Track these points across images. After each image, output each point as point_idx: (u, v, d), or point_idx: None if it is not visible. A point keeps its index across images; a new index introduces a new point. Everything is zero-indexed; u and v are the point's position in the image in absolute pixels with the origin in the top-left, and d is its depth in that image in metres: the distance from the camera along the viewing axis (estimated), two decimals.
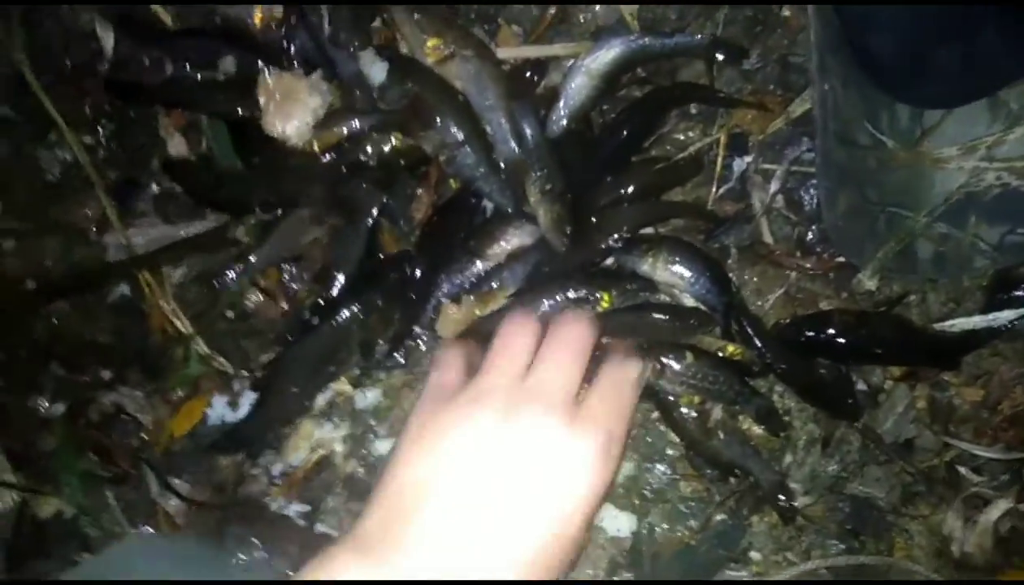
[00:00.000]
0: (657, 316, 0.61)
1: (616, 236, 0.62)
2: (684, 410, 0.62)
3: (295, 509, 0.69)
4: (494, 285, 0.64)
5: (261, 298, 0.69)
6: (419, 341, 0.67)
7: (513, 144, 0.62)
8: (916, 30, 0.52)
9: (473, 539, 0.31)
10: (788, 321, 0.62)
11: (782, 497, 0.63)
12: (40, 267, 0.71)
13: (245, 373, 0.70)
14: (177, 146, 0.69)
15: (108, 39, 0.68)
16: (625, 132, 0.63)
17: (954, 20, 0.51)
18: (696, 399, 0.62)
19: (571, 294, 0.61)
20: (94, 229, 0.71)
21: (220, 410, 0.70)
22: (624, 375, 0.39)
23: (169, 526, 0.71)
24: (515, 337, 0.39)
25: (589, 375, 0.39)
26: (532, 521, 0.32)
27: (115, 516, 0.71)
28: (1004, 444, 0.63)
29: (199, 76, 0.67)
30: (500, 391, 0.35)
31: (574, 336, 0.38)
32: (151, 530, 0.70)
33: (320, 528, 0.69)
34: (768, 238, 0.64)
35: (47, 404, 0.72)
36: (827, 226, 0.60)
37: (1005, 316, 0.60)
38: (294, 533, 0.68)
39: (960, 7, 0.50)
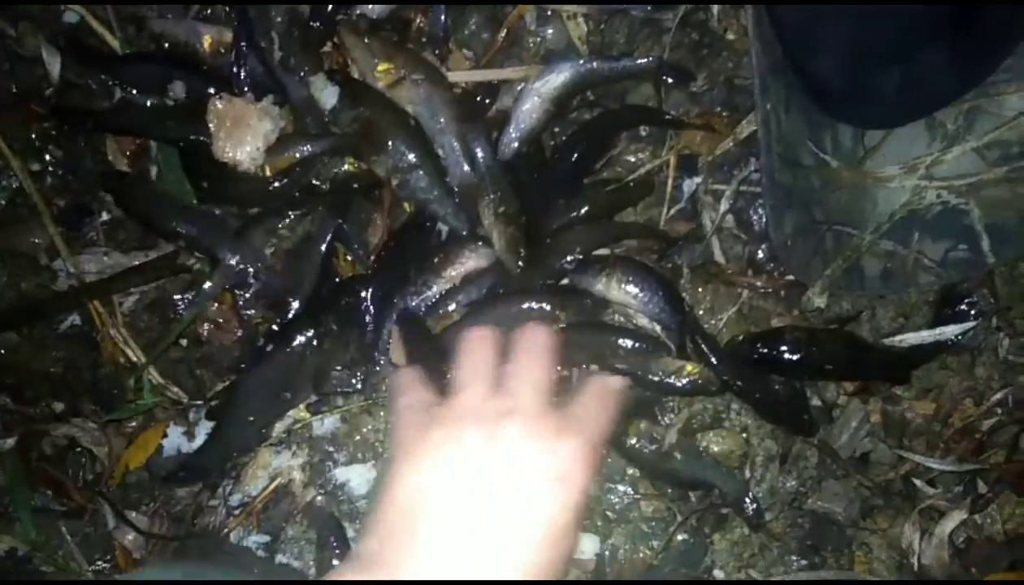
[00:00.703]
0: (615, 338, 0.61)
1: (570, 257, 0.62)
2: (634, 441, 0.62)
3: (255, 540, 0.68)
4: (450, 308, 0.64)
5: (214, 325, 0.68)
6: (376, 365, 0.66)
7: (466, 167, 0.62)
8: (855, 54, 0.53)
9: (468, 552, 0.33)
10: (742, 339, 0.63)
11: (748, 502, 0.62)
12: None
13: (200, 402, 0.68)
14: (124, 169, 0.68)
15: (54, 64, 0.67)
16: (576, 154, 0.63)
17: (893, 44, 0.52)
18: (642, 426, 0.62)
19: (527, 308, 0.61)
20: (43, 258, 0.70)
21: (176, 440, 0.69)
22: (606, 387, 0.40)
23: (125, 560, 0.69)
24: (479, 351, 0.40)
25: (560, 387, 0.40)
26: (522, 534, 0.34)
27: (70, 552, 0.69)
28: (956, 456, 0.64)
29: (148, 102, 0.66)
30: (480, 408, 0.37)
31: (538, 344, 0.40)
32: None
33: (281, 559, 0.67)
34: (719, 257, 0.65)
35: None
36: (775, 245, 0.61)
37: (951, 330, 0.61)
38: (254, 564, 0.67)
39: (898, 32, 0.51)
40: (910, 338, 0.62)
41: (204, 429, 0.68)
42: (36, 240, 0.69)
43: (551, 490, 0.34)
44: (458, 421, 0.36)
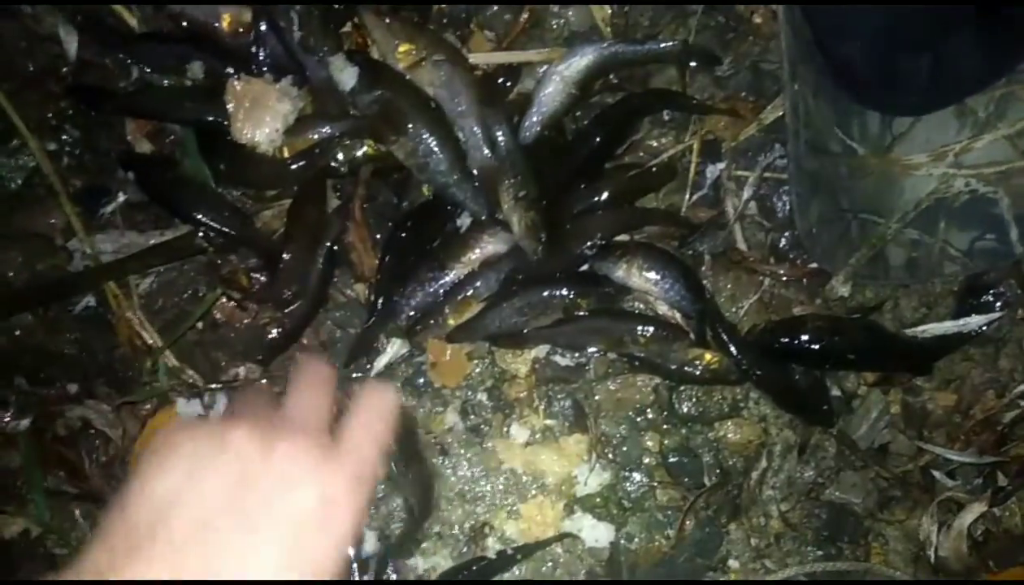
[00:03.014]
0: (634, 325, 0.61)
1: (590, 243, 0.62)
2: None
3: None
4: (468, 293, 0.64)
5: (230, 309, 0.67)
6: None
7: (486, 150, 0.61)
8: (885, 40, 0.52)
9: (219, 555, 0.31)
10: (762, 327, 0.62)
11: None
12: (2, 277, 0.69)
13: (215, 386, 0.68)
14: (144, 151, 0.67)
15: (71, 43, 0.66)
16: (598, 139, 0.62)
17: (922, 30, 0.52)
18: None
19: (548, 296, 0.60)
20: (59, 238, 0.69)
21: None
22: (379, 402, 0.39)
23: None
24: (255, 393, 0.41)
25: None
26: (281, 545, 0.32)
27: (83, 534, 0.69)
28: (977, 448, 0.64)
29: (166, 82, 0.65)
30: (252, 419, 0.36)
31: (317, 374, 0.40)
32: None
33: None
34: (742, 244, 0.64)
35: (11, 419, 0.70)
36: (800, 233, 0.60)
37: (976, 321, 0.61)
38: None
39: (928, 18, 0.51)
40: (933, 328, 0.61)
41: (219, 412, 0.68)
42: (52, 220, 0.69)
43: (314, 511, 0.32)
44: (227, 427, 0.34)
